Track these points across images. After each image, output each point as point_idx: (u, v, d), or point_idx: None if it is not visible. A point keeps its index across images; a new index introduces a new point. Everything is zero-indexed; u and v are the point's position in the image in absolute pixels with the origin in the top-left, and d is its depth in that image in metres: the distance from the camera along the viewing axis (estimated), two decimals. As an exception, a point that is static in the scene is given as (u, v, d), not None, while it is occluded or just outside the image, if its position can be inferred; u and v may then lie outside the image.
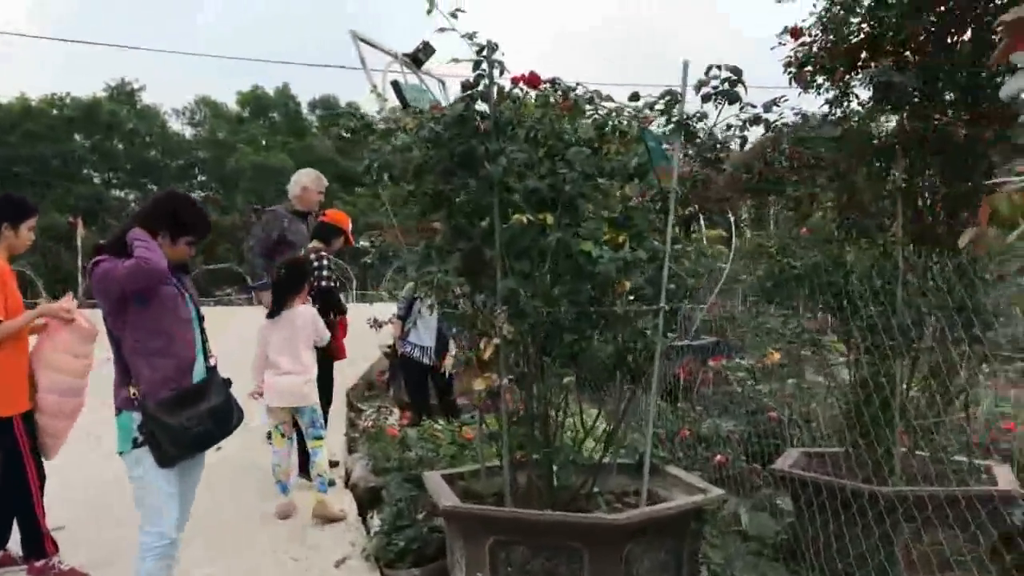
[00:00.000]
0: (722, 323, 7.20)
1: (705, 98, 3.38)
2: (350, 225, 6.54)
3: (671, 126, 3.41)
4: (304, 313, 5.23)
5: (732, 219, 8.98)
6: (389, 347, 8.14)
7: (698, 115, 3.46)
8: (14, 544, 4.15)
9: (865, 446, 3.95)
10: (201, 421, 3.12)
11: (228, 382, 3.39)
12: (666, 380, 6.03)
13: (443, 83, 13.14)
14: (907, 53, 3.59)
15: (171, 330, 3.16)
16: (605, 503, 3.73)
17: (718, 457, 4.98)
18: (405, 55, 11.31)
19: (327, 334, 5.31)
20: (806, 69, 3.74)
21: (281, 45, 74.40)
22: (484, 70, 3.30)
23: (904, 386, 3.91)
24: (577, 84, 3.35)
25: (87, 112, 54.14)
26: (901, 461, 3.88)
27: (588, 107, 3.35)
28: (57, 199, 51.59)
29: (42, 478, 4.09)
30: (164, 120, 60.49)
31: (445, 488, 3.62)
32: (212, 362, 3.35)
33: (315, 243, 6.11)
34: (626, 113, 3.41)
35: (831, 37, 3.67)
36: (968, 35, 3.67)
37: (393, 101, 10.75)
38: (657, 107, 3.41)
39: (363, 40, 10.84)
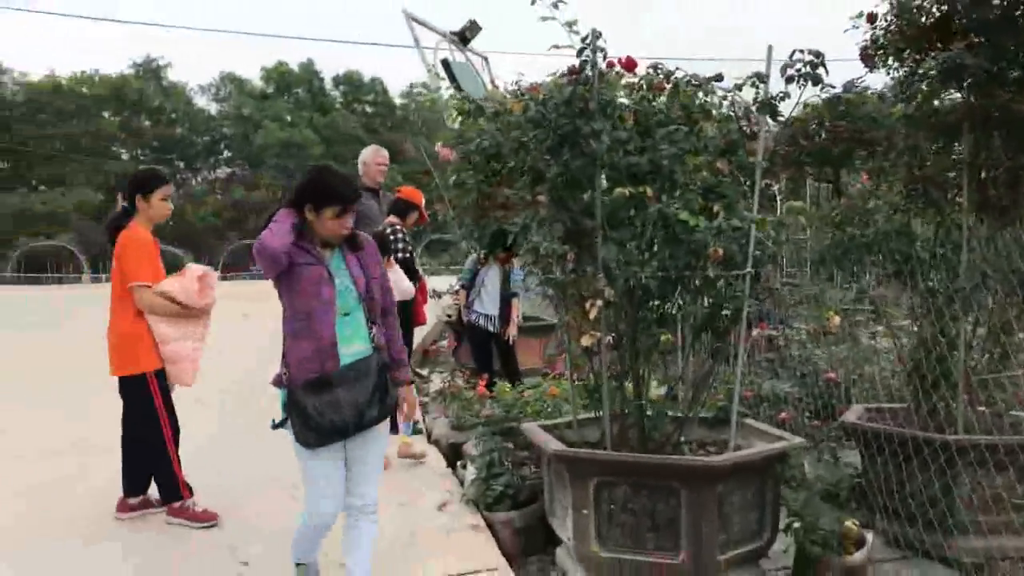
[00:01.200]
0: (776, 291, 7.51)
1: (789, 79, 3.68)
2: (423, 200, 6.88)
3: (757, 105, 3.73)
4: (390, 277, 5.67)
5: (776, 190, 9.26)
6: (449, 316, 8.54)
7: (781, 95, 3.76)
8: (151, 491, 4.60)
9: (928, 401, 4.28)
10: (336, 410, 3.02)
11: (384, 367, 3.20)
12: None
13: (486, 60, 13.44)
14: (975, 36, 3.87)
15: (309, 310, 3.08)
16: (690, 451, 4.10)
17: (782, 414, 5.32)
18: (453, 33, 11.67)
19: (411, 290, 5.71)
20: (879, 52, 4.03)
21: (304, 20, 74.47)
22: (588, 56, 3.63)
23: (966, 345, 4.21)
24: (676, 68, 3.66)
25: (115, 90, 54.68)
26: (963, 415, 4.19)
27: (685, 88, 3.66)
28: (88, 176, 52.41)
29: (176, 429, 4.51)
30: (190, 97, 60.98)
31: (547, 436, 4.00)
32: (365, 348, 3.17)
33: (392, 218, 6.46)
34: (719, 93, 3.73)
35: (903, 21, 3.94)
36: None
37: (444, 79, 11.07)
38: (745, 87, 3.71)
39: (415, 20, 11.19)
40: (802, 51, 3.68)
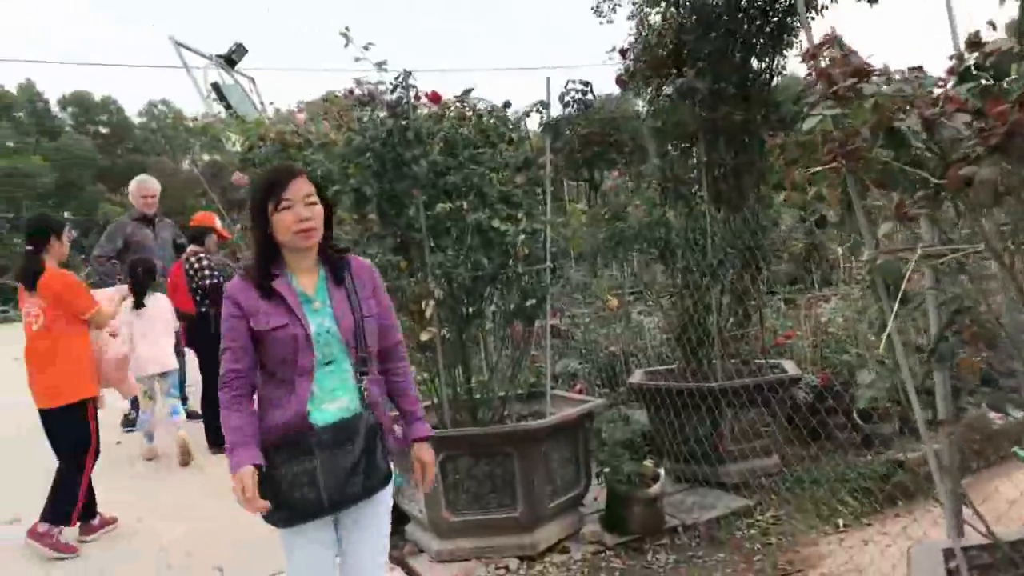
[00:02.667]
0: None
1: (565, 104, 4.48)
2: (217, 221, 7.11)
3: (542, 127, 4.49)
4: (161, 301, 6.30)
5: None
6: None
7: (562, 118, 4.55)
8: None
9: (694, 358, 5.29)
10: (311, 482, 2.43)
11: (374, 429, 2.53)
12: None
13: (253, 81, 13.52)
14: (700, 63, 4.89)
15: (280, 365, 2.51)
16: (512, 423, 4.80)
17: (577, 387, 6.19)
18: (219, 56, 11.68)
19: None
20: (631, 78, 4.97)
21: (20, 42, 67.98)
22: (403, 93, 4.20)
23: (716, 311, 5.25)
24: (478, 100, 4.33)
25: None
26: (721, 366, 5.23)
27: (485, 117, 4.34)
28: None
29: (97, 453, 4.81)
30: None
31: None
32: (352, 404, 2.52)
33: (191, 247, 6.64)
34: (510, 116, 4.45)
35: (647, 55, 4.90)
36: (739, 47, 5.02)
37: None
38: (533, 113, 4.47)
39: (182, 45, 11.10)
40: (574, 81, 4.50)
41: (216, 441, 6.38)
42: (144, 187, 7.66)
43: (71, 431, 4.68)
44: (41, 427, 4.69)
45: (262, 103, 12.41)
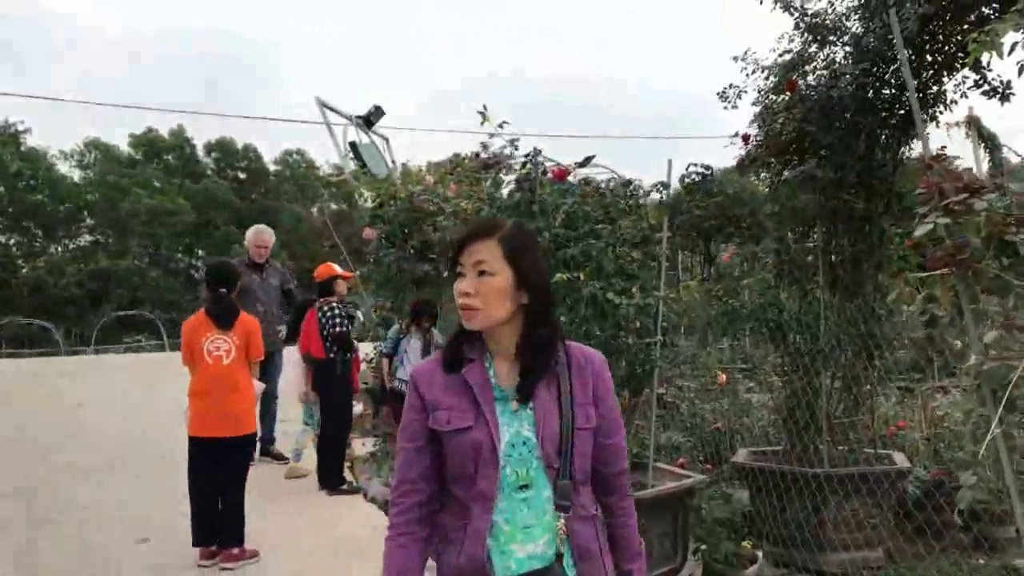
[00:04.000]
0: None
1: (688, 190, 4.66)
2: (336, 268, 7.53)
3: (660, 207, 4.68)
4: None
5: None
6: (366, 383, 9.16)
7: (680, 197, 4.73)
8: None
9: (800, 442, 5.27)
10: None
11: None
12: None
13: (387, 140, 14.31)
14: (822, 152, 4.99)
15: (458, 481, 1.90)
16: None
17: (679, 461, 6.22)
18: (359, 117, 12.46)
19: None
20: (752, 163, 5.11)
21: (175, 90, 73.59)
22: (531, 168, 4.49)
23: (826, 395, 5.24)
24: (601, 171, 4.57)
25: (-32, 154, 52.15)
26: (826, 452, 5.20)
27: (607, 194, 4.57)
28: (-64, 245, 49.34)
29: None
30: (51, 163, 58.71)
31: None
32: (549, 550, 1.85)
33: (323, 298, 7.06)
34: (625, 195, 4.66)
35: (769, 140, 5.04)
36: (863, 138, 5.09)
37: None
38: (653, 193, 4.67)
39: (326, 106, 11.92)
40: (696, 164, 4.68)
41: (329, 483, 6.71)
42: (260, 236, 8.19)
43: (244, 457, 5.23)
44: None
45: (394, 161, 13.11)
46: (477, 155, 13.74)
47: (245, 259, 8.12)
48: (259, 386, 5.44)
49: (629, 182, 4.81)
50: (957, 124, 4.94)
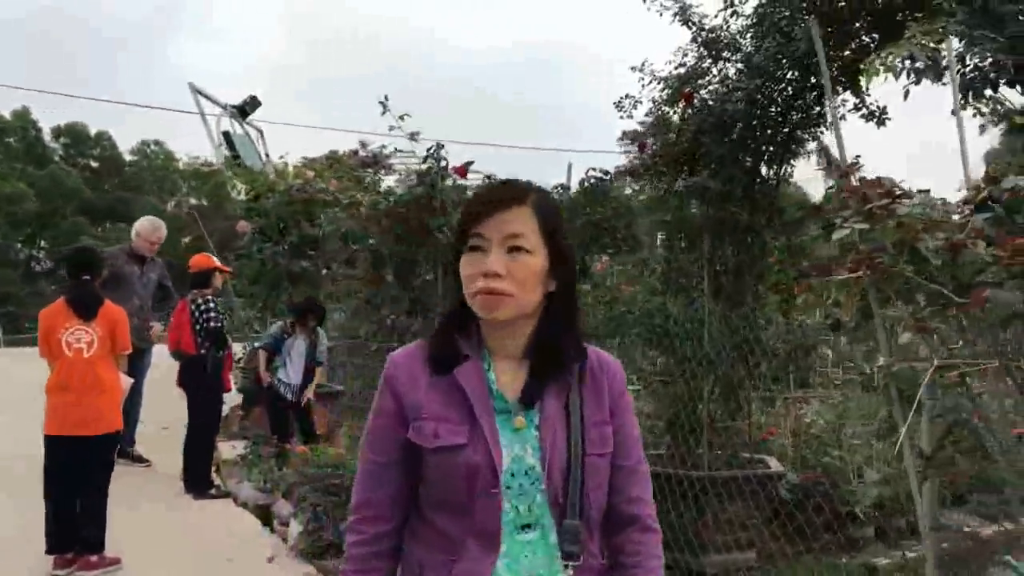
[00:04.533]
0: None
1: (587, 193, 4.69)
2: (215, 260, 7.14)
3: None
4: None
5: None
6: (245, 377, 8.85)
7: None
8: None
9: (683, 445, 5.40)
10: None
11: None
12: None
13: (262, 133, 13.86)
14: (713, 165, 5.15)
15: (443, 509, 1.49)
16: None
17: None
18: (233, 107, 12.00)
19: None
20: (645, 171, 5.22)
21: (19, 69, 68.17)
22: (433, 163, 4.41)
23: (707, 401, 5.39)
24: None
25: None
26: (707, 455, 5.35)
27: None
28: None
29: None
30: None
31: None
32: None
33: (196, 290, 6.66)
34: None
35: (662, 152, 5.16)
36: (750, 153, 5.29)
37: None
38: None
39: (200, 92, 11.41)
40: (595, 169, 4.74)
41: (196, 487, 6.34)
42: (158, 232, 7.61)
43: (107, 457, 4.85)
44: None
45: (267, 155, 12.69)
46: (355, 152, 13.52)
47: (127, 248, 7.56)
48: (127, 381, 5.06)
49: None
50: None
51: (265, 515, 6.08)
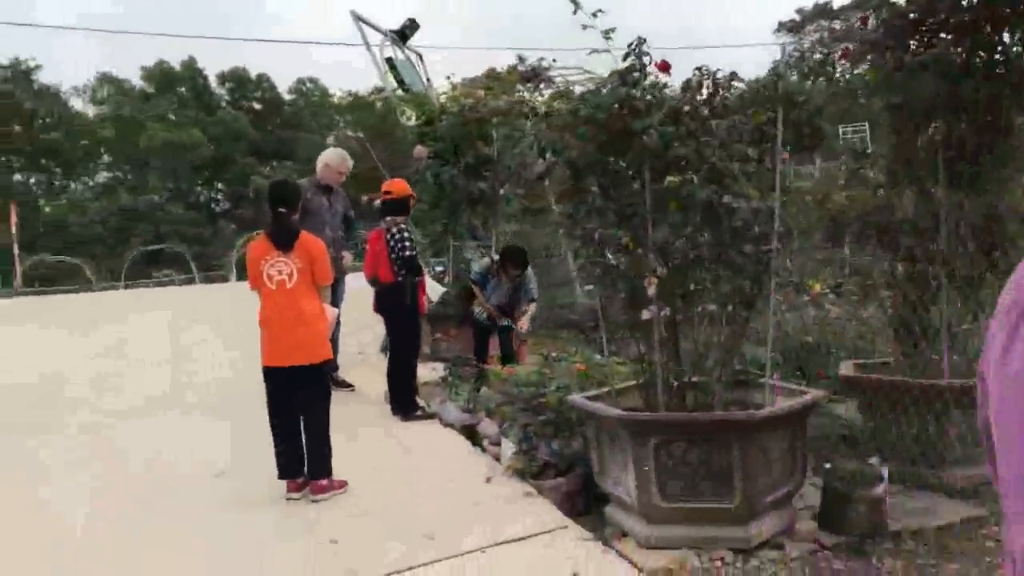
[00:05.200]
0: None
1: (804, 76, 4.19)
2: (409, 186, 7.06)
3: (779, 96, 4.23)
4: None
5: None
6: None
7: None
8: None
9: (914, 352, 4.91)
10: None
11: None
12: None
13: (421, 57, 13.73)
14: (949, 35, 4.49)
15: None
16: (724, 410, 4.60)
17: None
18: (392, 32, 11.89)
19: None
20: (866, 49, 4.62)
21: (184, 19, 71.88)
22: (635, 61, 4.04)
23: (945, 303, 4.85)
24: (718, 69, 4.11)
25: (-20, 94, 51.50)
26: (946, 362, 4.84)
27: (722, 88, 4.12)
28: (-44, 186, 49.27)
29: None
30: (64, 100, 58.03)
31: (600, 405, 4.41)
32: None
33: (391, 218, 6.63)
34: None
35: (894, 20, 4.54)
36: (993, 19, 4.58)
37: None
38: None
39: (361, 20, 11.35)
40: (808, 49, 4.19)
41: (403, 409, 6.47)
42: (347, 162, 7.66)
43: (320, 386, 4.95)
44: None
45: (428, 79, 12.58)
46: (515, 68, 13.13)
47: (314, 180, 7.61)
48: (332, 312, 5.11)
49: (734, 74, 4.35)
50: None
51: (471, 434, 6.13)
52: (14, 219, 27.18)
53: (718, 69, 4.11)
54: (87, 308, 16.47)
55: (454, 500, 4.67)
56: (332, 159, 7.65)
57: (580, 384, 5.51)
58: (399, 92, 10.70)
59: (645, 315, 4.07)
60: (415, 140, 8.96)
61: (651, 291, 4.01)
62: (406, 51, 11.92)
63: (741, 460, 4.04)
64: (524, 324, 7.47)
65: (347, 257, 7.49)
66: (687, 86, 4.10)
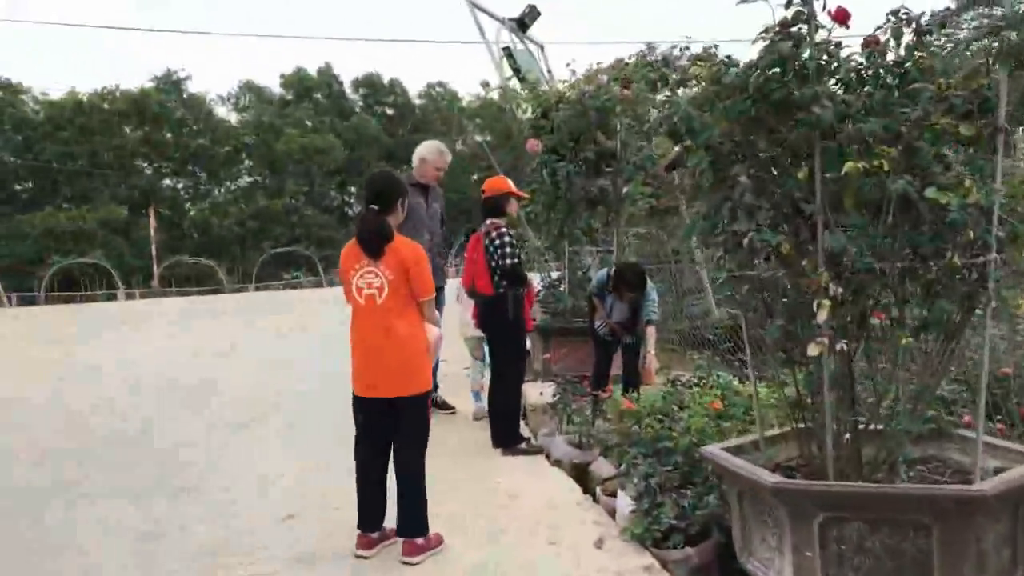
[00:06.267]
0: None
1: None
2: (509, 183, 6.13)
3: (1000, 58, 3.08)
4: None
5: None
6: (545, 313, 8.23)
7: None
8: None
9: None
10: None
11: None
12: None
13: (542, 48, 12.85)
14: None
15: None
16: (906, 472, 3.48)
17: (965, 419, 4.67)
18: (511, 20, 11.07)
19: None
20: None
21: (322, 23, 74.22)
22: (801, 8, 3.00)
23: None
24: (921, 12, 3.01)
25: (136, 104, 54.60)
26: None
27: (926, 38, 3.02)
28: (112, 191, 52.37)
29: None
30: (210, 107, 60.88)
31: (744, 463, 3.38)
32: None
33: (491, 220, 5.77)
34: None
35: None
36: None
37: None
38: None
39: (477, 6, 10.59)
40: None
41: (504, 440, 5.60)
42: (446, 156, 6.79)
43: (412, 426, 4.03)
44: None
45: (550, 71, 11.72)
46: (644, 56, 12.07)
47: (410, 178, 6.71)
48: (434, 333, 4.12)
49: (942, 22, 3.23)
50: None
51: (581, 474, 5.20)
52: (153, 223, 28.22)
53: (921, 13, 3.00)
54: (202, 308, 16.59)
55: (551, 569, 3.75)
56: (429, 153, 6.80)
57: (716, 424, 4.48)
58: (514, 83, 9.87)
59: (812, 350, 3.01)
60: (530, 134, 8.10)
61: (821, 317, 2.96)
62: (525, 41, 11.10)
63: (944, 550, 2.94)
64: (652, 363, 6.24)
65: (446, 264, 6.66)
66: (873, 40, 3.01)
